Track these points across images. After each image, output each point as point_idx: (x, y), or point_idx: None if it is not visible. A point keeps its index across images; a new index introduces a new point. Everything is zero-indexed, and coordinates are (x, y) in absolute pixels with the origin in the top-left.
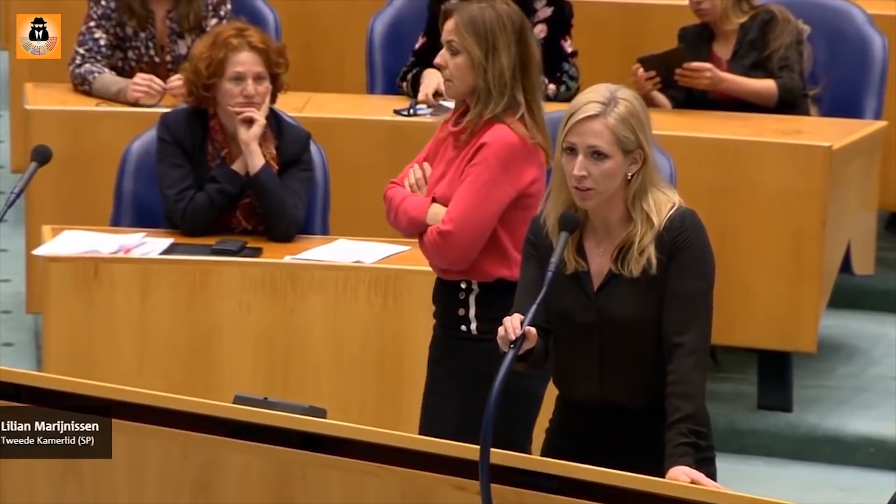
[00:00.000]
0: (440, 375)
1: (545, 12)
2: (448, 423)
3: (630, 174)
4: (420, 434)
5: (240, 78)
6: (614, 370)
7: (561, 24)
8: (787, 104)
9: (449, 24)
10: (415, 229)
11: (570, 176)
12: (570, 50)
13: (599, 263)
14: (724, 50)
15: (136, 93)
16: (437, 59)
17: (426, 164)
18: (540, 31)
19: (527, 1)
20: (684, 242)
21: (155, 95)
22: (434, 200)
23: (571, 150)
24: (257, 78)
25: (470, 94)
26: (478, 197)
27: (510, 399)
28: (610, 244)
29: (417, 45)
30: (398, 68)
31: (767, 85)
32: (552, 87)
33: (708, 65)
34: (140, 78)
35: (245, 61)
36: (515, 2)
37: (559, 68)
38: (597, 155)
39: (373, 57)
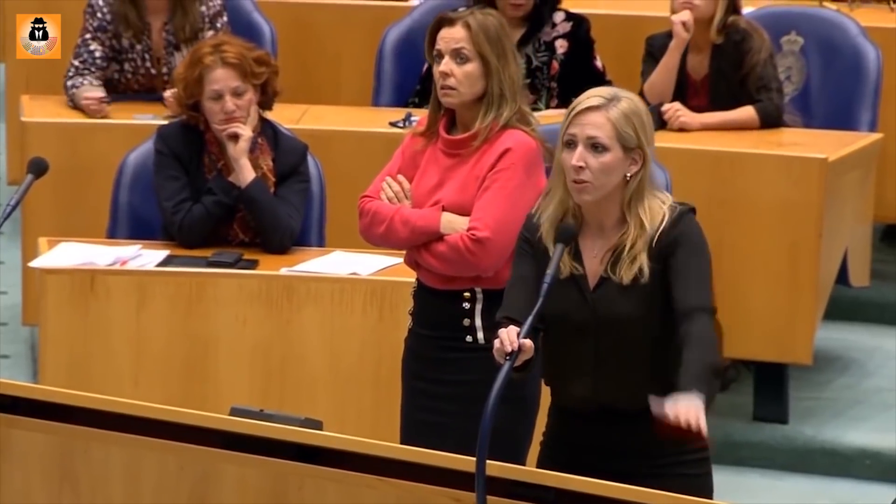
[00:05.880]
0: (433, 392)
1: (564, 27)
2: (453, 438)
3: (629, 175)
4: None
5: (217, 95)
6: (609, 371)
7: (586, 42)
8: (771, 126)
9: (456, 33)
10: (420, 239)
11: (569, 168)
12: (603, 69)
13: (594, 264)
14: (696, 68)
15: (87, 102)
16: (441, 69)
17: (401, 177)
18: (560, 46)
19: (544, 14)
20: (679, 235)
21: (99, 110)
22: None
23: (571, 143)
24: (235, 92)
25: (472, 104)
26: (510, 202)
27: (505, 406)
28: (603, 246)
29: (424, 70)
30: (407, 80)
31: (747, 114)
32: None
33: (676, 105)
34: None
35: (219, 78)
36: (532, 14)
37: None
38: (596, 147)
39: (382, 66)
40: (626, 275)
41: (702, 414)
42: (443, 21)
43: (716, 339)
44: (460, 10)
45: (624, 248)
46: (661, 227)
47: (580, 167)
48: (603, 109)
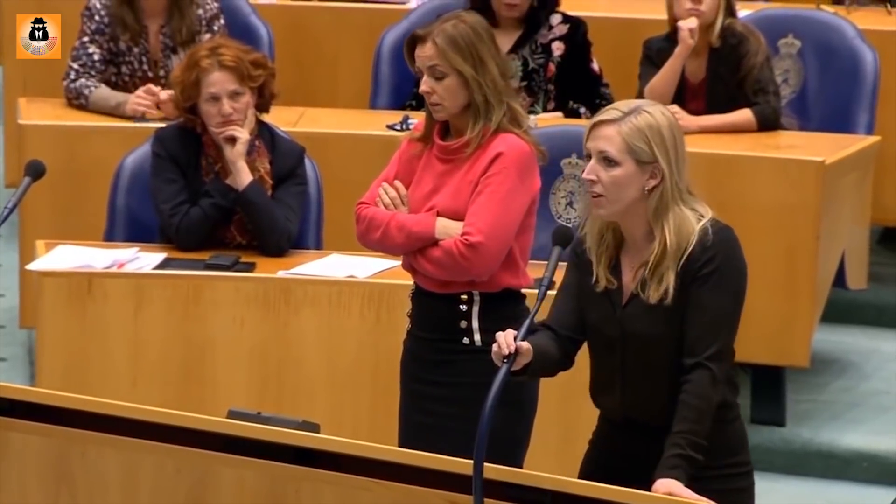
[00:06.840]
0: (431, 394)
1: (561, 29)
2: (451, 440)
3: (647, 189)
4: None
5: (215, 98)
6: (634, 385)
7: (583, 44)
8: (768, 129)
9: (427, 51)
10: (416, 245)
11: (585, 182)
12: (599, 72)
13: (629, 279)
14: (694, 71)
15: (138, 107)
16: (422, 87)
17: (398, 183)
18: (557, 48)
19: (541, 17)
20: (708, 261)
21: (157, 110)
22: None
23: (588, 156)
24: (233, 95)
25: (462, 112)
26: (502, 206)
27: (503, 409)
28: (637, 261)
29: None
30: (404, 83)
31: (745, 117)
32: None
33: (674, 108)
34: (142, 91)
35: (217, 81)
36: (528, 16)
37: (597, 93)
38: (607, 161)
39: (379, 68)
40: (653, 294)
41: (684, 491)
42: (415, 39)
43: (711, 399)
44: (434, 21)
45: (648, 264)
46: (691, 248)
47: (592, 180)
48: (616, 123)
